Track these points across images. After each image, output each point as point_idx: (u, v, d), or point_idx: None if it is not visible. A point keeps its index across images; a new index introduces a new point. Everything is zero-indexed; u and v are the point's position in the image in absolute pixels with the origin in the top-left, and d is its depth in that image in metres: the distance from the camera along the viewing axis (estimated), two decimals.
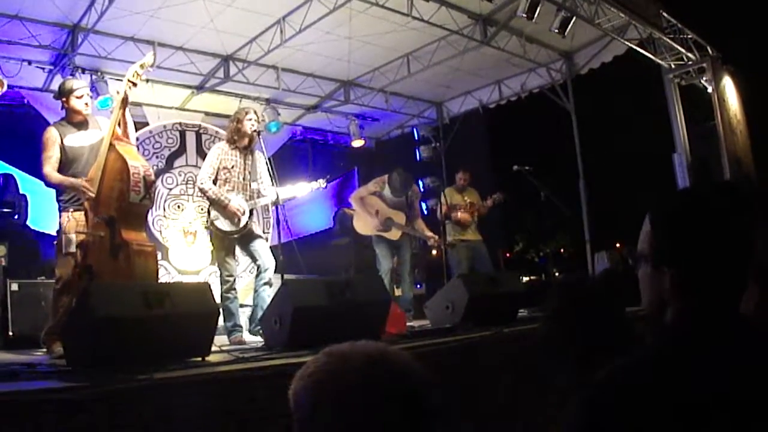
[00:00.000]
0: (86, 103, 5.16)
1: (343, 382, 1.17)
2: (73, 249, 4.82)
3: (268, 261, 5.91)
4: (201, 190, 6.05)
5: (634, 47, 8.99)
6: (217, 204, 5.89)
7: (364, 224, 7.94)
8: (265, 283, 5.87)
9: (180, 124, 9.01)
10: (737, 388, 1.09)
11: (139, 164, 4.74)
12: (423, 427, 1.18)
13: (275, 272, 5.94)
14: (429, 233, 8.00)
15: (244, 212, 5.87)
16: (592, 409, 1.16)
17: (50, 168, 4.96)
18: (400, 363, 1.21)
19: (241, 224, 5.86)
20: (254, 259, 6.02)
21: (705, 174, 9.12)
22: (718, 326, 1.19)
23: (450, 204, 8.41)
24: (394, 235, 7.82)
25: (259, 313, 5.57)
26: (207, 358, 3.89)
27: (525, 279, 12.43)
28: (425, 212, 12.39)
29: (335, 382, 1.17)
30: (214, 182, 5.94)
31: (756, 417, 1.07)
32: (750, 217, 1.23)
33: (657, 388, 1.12)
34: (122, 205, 4.62)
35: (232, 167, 5.99)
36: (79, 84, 5.24)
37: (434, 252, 12.22)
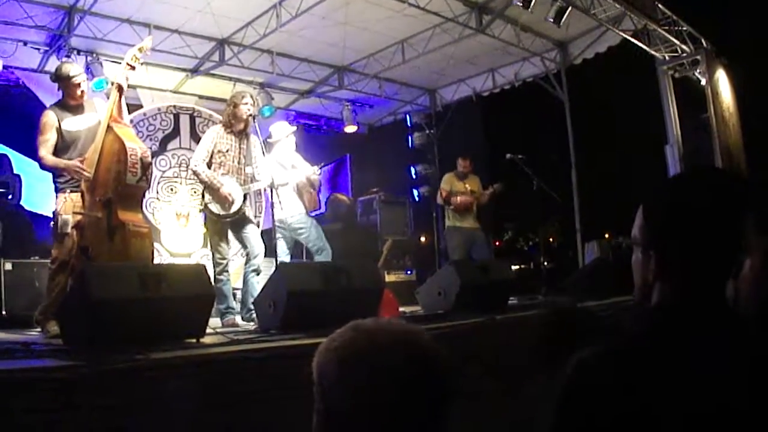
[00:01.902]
0: (83, 90, 5.18)
1: (368, 360, 1.20)
2: (69, 230, 4.86)
3: (257, 248, 5.94)
4: (194, 172, 6.07)
5: (629, 38, 9.01)
6: (209, 187, 5.91)
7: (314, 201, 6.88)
8: (254, 270, 5.92)
9: (174, 107, 8.99)
10: (705, 365, 1.15)
11: (136, 146, 4.77)
12: (442, 408, 1.21)
13: (269, 256, 5.96)
14: None
15: (234, 200, 5.86)
16: (572, 393, 1.21)
17: (45, 151, 4.99)
18: (424, 344, 1.24)
19: (235, 209, 5.87)
20: (244, 246, 6.06)
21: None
22: (698, 311, 1.24)
23: (450, 190, 8.41)
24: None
25: (249, 300, 5.62)
26: (202, 340, 3.93)
27: (515, 267, 12.47)
28: (416, 199, 12.44)
29: (361, 360, 1.20)
30: (209, 166, 5.95)
31: (723, 393, 1.13)
32: (738, 207, 1.27)
33: (630, 370, 1.17)
34: (119, 187, 4.66)
35: (227, 151, 6.00)
36: (77, 71, 5.21)
37: (423, 239, 12.26)
